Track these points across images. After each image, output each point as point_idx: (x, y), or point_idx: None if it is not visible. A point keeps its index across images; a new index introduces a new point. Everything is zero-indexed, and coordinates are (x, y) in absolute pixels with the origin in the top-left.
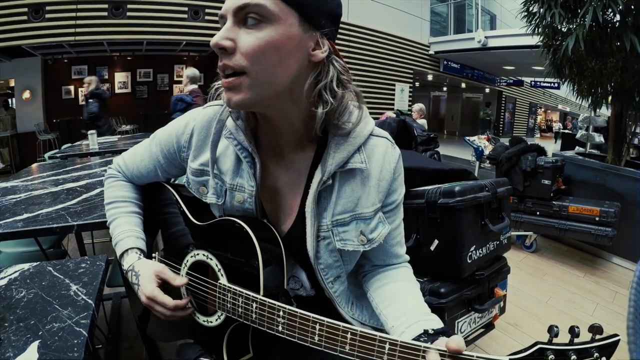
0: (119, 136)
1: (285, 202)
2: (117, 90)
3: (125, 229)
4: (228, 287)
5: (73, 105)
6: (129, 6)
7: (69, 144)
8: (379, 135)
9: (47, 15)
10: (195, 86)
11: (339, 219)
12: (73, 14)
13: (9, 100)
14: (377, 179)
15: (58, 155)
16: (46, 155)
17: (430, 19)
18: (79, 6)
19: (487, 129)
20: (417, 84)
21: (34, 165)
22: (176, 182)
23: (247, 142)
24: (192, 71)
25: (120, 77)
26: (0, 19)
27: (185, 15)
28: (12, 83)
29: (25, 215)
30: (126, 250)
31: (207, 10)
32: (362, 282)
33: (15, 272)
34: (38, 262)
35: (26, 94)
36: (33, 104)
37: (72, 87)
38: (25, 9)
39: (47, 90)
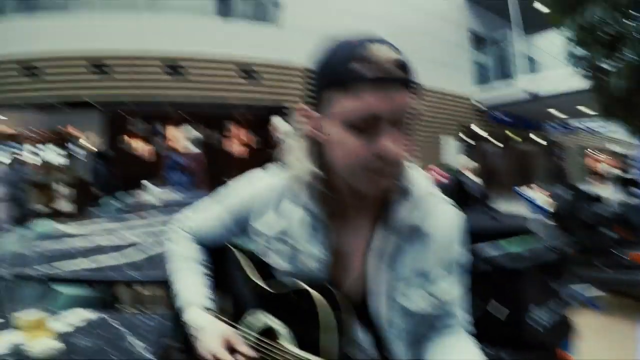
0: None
1: (349, 263)
2: None
3: (188, 283)
4: (297, 354)
5: (129, 158)
6: (186, 66)
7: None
8: (439, 195)
9: (111, 73)
10: (197, 150)
11: (406, 279)
12: (135, 72)
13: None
14: (441, 239)
15: (121, 206)
16: (103, 202)
17: (471, 68)
18: (141, 65)
19: (543, 180)
20: (463, 135)
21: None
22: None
23: (318, 208)
24: (194, 133)
25: (175, 133)
26: (68, 76)
27: (243, 78)
28: (73, 131)
29: (88, 264)
30: (189, 305)
31: (262, 74)
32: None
33: (81, 320)
34: (101, 316)
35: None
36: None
37: (130, 140)
38: (90, 64)
39: (107, 140)
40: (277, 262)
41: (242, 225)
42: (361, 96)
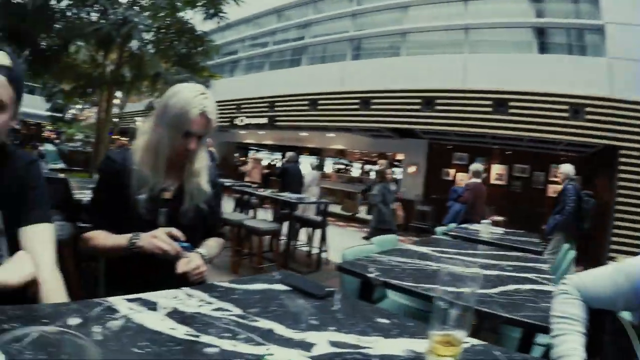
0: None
1: None
2: (492, 181)
3: (572, 346)
4: None
5: (448, 186)
6: (510, 103)
7: (463, 225)
8: None
9: (437, 107)
10: (477, 180)
11: None
12: (460, 107)
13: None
14: None
15: (451, 233)
16: (438, 230)
17: None
18: (466, 101)
19: None
20: None
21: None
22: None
23: None
24: (475, 166)
25: (497, 169)
26: (398, 106)
27: (566, 114)
28: (398, 156)
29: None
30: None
31: (587, 109)
32: None
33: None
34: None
35: (412, 169)
36: (416, 178)
37: (451, 171)
38: (419, 100)
39: (429, 169)
40: None
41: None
42: None
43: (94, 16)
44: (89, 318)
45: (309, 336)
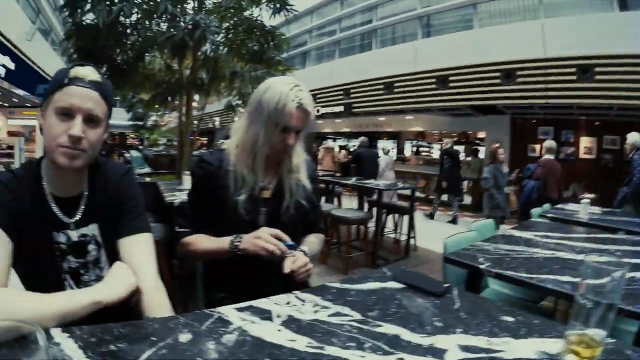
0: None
1: None
2: (581, 156)
3: None
4: None
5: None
6: (596, 69)
7: (559, 205)
8: None
9: (518, 80)
10: (550, 157)
11: None
12: (543, 78)
13: (478, 149)
14: None
15: (548, 215)
16: (534, 212)
17: None
18: (548, 70)
19: None
20: None
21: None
22: None
23: None
24: (549, 143)
25: (585, 142)
26: (477, 82)
27: None
28: (480, 134)
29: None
30: None
31: None
32: None
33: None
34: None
35: (495, 147)
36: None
37: (537, 146)
38: (498, 73)
39: (513, 146)
40: None
41: None
42: None
43: (164, 26)
44: (201, 333)
45: (438, 341)
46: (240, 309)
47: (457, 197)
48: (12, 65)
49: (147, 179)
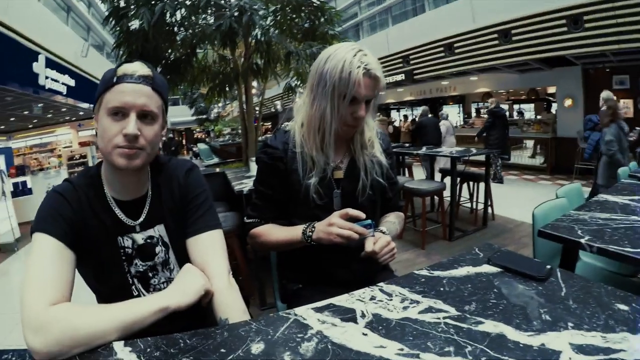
0: None
1: None
2: None
3: None
4: None
5: None
6: None
7: None
8: None
9: (587, 25)
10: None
11: None
12: (614, 21)
13: (551, 104)
14: None
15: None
16: (620, 172)
17: None
18: (618, 12)
19: None
20: None
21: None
22: None
23: None
24: (607, 94)
25: None
26: (542, 32)
27: None
28: (550, 89)
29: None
30: None
31: None
32: None
33: None
34: None
35: (567, 102)
36: (574, 111)
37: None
38: (564, 21)
39: (587, 98)
40: None
41: None
42: None
43: (211, 19)
44: (276, 342)
45: (548, 340)
46: (319, 309)
47: (502, 156)
48: (72, 82)
49: (217, 170)
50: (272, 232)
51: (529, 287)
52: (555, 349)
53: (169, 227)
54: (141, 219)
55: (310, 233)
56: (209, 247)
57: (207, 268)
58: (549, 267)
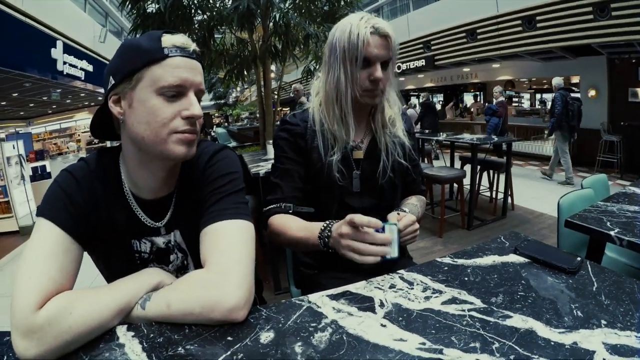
0: None
1: None
2: None
3: None
4: None
5: (638, 109)
6: None
7: None
8: None
9: (614, 13)
10: (502, 98)
11: None
12: None
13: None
14: None
15: None
16: None
17: None
18: None
19: None
20: None
21: None
22: None
23: None
24: (499, 88)
25: None
26: (567, 19)
27: None
28: (574, 79)
29: None
30: None
31: None
32: None
33: None
34: None
35: (591, 92)
36: (598, 102)
37: (639, 90)
38: (590, 8)
39: (612, 90)
40: None
41: None
42: None
43: (229, 2)
44: (287, 331)
45: (580, 339)
46: (334, 297)
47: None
48: (90, 68)
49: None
50: (289, 228)
51: (558, 279)
52: (588, 348)
53: (190, 228)
54: (165, 220)
55: (327, 238)
56: (216, 240)
57: (203, 262)
58: (579, 259)
